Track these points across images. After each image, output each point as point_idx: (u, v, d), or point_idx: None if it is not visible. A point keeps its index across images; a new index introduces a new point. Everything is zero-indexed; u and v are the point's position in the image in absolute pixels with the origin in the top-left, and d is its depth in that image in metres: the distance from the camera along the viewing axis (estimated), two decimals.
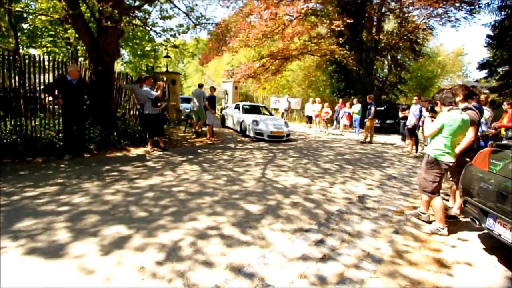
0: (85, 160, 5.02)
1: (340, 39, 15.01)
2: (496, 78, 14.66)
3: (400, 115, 10.21)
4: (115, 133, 6.11)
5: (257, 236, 2.63)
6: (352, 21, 13.44)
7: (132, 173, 4.36)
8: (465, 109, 3.14)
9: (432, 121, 2.98)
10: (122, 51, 11.02)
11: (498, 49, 13.45)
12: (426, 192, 2.97)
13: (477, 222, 2.39)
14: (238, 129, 10.10)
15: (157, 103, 5.73)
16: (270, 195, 3.73)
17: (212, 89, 8.43)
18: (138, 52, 9.96)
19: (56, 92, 4.81)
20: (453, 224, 3.20)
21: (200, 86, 8.05)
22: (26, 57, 5.70)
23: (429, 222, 3.18)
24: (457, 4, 15.91)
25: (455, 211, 3.41)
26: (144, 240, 2.40)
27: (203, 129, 9.63)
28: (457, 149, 3.14)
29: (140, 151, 6.08)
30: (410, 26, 18.27)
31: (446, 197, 4.04)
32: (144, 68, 10.80)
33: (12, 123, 5.04)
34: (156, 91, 5.80)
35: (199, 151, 6.61)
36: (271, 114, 10.79)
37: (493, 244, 2.67)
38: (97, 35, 5.94)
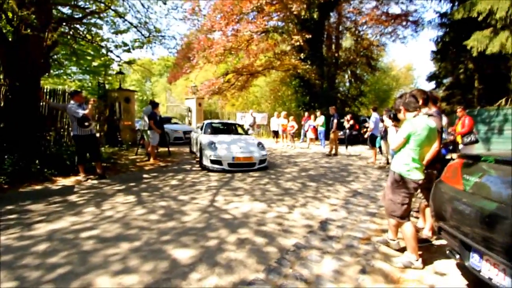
0: None
1: (302, 54, 15.18)
2: (443, 88, 15.68)
3: (346, 124, 10.32)
4: (37, 161, 5.02)
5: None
6: (311, 36, 13.66)
7: (38, 213, 3.37)
8: (425, 115, 2.75)
9: (397, 131, 2.54)
10: (72, 68, 9.88)
11: (442, 61, 14.42)
12: (395, 216, 2.45)
13: (458, 257, 1.87)
14: (198, 155, 7.67)
15: (84, 123, 4.81)
16: (212, 232, 2.99)
17: (156, 106, 7.23)
18: (85, 68, 8.90)
19: None
20: (426, 249, 2.71)
21: (152, 103, 7.21)
22: None
23: (401, 250, 2.66)
24: (404, 23, 17.29)
25: (426, 233, 2.94)
26: None
27: (161, 149, 8.72)
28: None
29: (69, 181, 5.03)
30: (365, 43, 19.40)
31: (414, 214, 3.62)
32: (92, 86, 9.70)
33: None
34: (85, 109, 4.90)
35: (146, 176, 5.70)
36: (246, 134, 8.53)
37: (476, 279, 2.18)
38: (15, 45, 4.96)
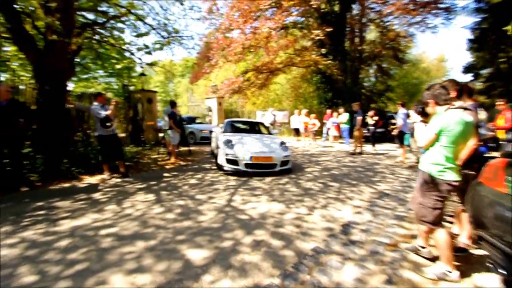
0: (18, 195, 4.18)
1: (323, 49, 14.69)
2: (482, 80, 14.36)
3: (370, 121, 9.70)
4: (65, 160, 5.29)
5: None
6: (332, 30, 13.16)
7: (64, 210, 3.52)
8: (459, 108, 2.45)
9: (426, 126, 2.29)
10: (99, 72, 10.39)
11: (480, 51, 13.21)
12: (425, 222, 2.20)
13: (502, 272, 1.62)
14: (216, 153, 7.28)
15: (106, 123, 4.97)
16: (228, 232, 2.92)
17: (175, 105, 7.35)
18: (110, 71, 9.31)
19: None
20: (464, 259, 2.42)
21: (171, 103, 7.35)
22: None
23: (432, 259, 2.41)
24: (434, 11, 16.03)
25: (464, 241, 2.63)
26: None
27: (182, 148, 8.89)
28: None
29: (95, 179, 5.25)
30: (391, 34, 18.33)
31: (448, 219, 3.28)
32: (116, 88, 10.12)
33: None
34: (107, 110, 5.06)
35: (167, 174, 5.80)
36: (270, 133, 7.54)
37: None
38: (44, 51, 5.27)
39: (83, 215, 3.34)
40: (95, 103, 5.12)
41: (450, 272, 2.11)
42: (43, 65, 5.08)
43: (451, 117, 2.06)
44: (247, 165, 5.60)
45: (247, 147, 5.79)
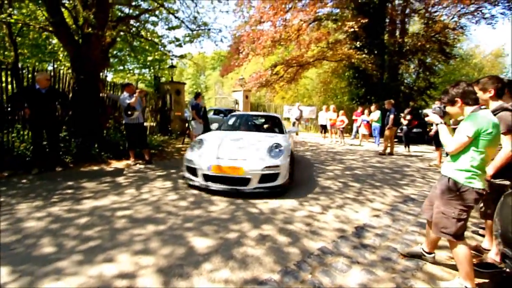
0: (53, 174, 4.60)
1: (358, 42, 13.93)
2: None
3: (403, 121, 8.95)
4: (96, 145, 5.70)
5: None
6: (368, 21, 12.37)
7: (89, 191, 3.79)
8: (499, 109, 2.15)
9: (451, 129, 2.04)
10: (134, 63, 11.00)
11: None
12: (446, 234, 1.96)
13: None
14: None
15: (128, 111, 5.23)
16: (235, 224, 2.92)
17: (199, 96, 7.44)
18: (142, 63, 9.83)
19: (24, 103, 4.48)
20: (491, 277, 2.15)
21: (196, 95, 7.53)
22: (25, 69, 5.56)
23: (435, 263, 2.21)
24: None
25: (493, 257, 2.34)
26: None
27: None
28: (490, 168, 2.13)
29: (121, 164, 5.59)
30: (438, 26, 16.65)
31: (481, 232, 2.95)
32: (148, 79, 10.64)
33: None
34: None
35: None
36: (282, 132, 5.49)
37: None
38: (81, 43, 5.68)
39: (104, 197, 3.57)
40: (125, 93, 5.42)
41: None
42: (79, 56, 5.49)
43: (488, 119, 1.82)
44: (206, 177, 3.82)
45: (215, 151, 3.98)
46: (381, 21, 14.94)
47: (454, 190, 1.93)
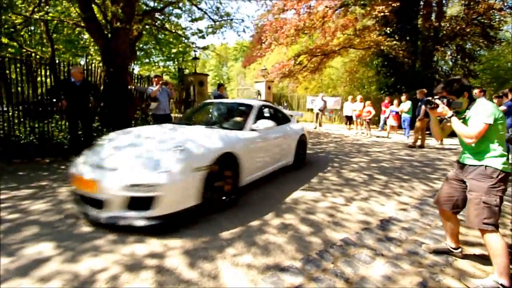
0: None
1: (388, 28, 13.11)
2: None
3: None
4: None
5: (207, 273, 1.93)
6: (399, 4, 11.56)
7: None
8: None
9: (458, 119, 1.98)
10: (159, 56, 11.36)
11: None
12: (489, 224, 1.85)
13: None
14: None
15: (151, 102, 5.45)
16: (257, 212, 2.97)
17: (221, 87, 7.45)
18: (165, 55, 10.12)
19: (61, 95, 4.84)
20: None
21: (219, 86, 7.62)
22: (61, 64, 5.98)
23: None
24: None
25: None
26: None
27: None
28: None
29: None
30: (481, 7, 15.07)
31: None
32: (173, 71, 10.95)
33: (30, 125, 5.26)
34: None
35: None
36: (287, 119, 4.94)
37: None
38: (110, 37, 5.96)
39: None
40: (154, 85, 5.63)
41: (504, 287, 1.77)
42: (109, 50, 5.78)
43: (494, 106, 1.91)
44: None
45: (100, 154, 2.81)
46: (415, 4, 13.92)
47: (493, 178, 1.86)
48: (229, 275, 1.91)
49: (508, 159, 1.89)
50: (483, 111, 1.85)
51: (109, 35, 5.93)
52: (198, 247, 2.24)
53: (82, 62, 8.27)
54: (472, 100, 1.98)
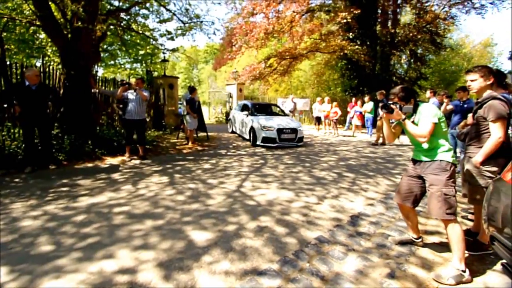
0: (47, 172, 4.54)
1: (350, 34, 13.92)
2: None
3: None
4: (89, 142, 5.63)
5: (184, 283, 1.88)
6: (360, 12, 12.35)
7: (85, 188, 3.78)
8: (489, 98, 2.21)
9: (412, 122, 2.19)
10: (125, 58, 10.78)
11: None
12: (451, 214, 2.03)
13: None
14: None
15: (119, 105, 5.19)
16: (233, 217, 2.96)
17: (194, 91, 7.38)
18: (134, 57, 9.63)
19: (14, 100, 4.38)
20: (479, 259, 2.26)
21: (190, 89, 7.45)
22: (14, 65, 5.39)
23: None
24: None
25: (481, 240, 2.44)
26: None
27: (200, 134, 9.06)
28: (480, 155, 2.22)
29: (116, 160, 5.55)
30: (429, 16, 16.70)
31: (470, 216, 3.07)
32: (141, 73, 10.46)
33: None
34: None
35: (182, 158, 5.98)
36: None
37: None
38: (70, 38, 5.54)
39: (100, 193, 3.56)
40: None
41: (464, 272, 1.97)
42: (69, 51, 5.35)
43: (434, 107, 2.18)
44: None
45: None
46: (373, 12, 14.94)
47: (448, 170, 2.07)
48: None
49: (455, 152, 2.18)
50: (428, 113, 2.08)
51: (69, 36, 5.50)
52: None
53: (38, 64, 7.55)
54: (417, 105, 2.22)
